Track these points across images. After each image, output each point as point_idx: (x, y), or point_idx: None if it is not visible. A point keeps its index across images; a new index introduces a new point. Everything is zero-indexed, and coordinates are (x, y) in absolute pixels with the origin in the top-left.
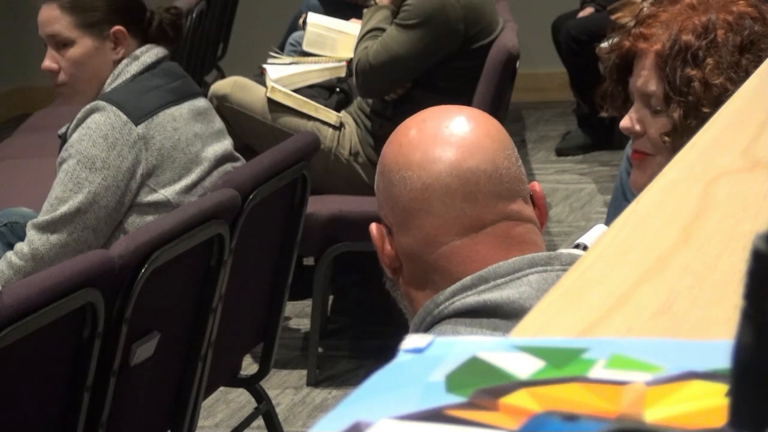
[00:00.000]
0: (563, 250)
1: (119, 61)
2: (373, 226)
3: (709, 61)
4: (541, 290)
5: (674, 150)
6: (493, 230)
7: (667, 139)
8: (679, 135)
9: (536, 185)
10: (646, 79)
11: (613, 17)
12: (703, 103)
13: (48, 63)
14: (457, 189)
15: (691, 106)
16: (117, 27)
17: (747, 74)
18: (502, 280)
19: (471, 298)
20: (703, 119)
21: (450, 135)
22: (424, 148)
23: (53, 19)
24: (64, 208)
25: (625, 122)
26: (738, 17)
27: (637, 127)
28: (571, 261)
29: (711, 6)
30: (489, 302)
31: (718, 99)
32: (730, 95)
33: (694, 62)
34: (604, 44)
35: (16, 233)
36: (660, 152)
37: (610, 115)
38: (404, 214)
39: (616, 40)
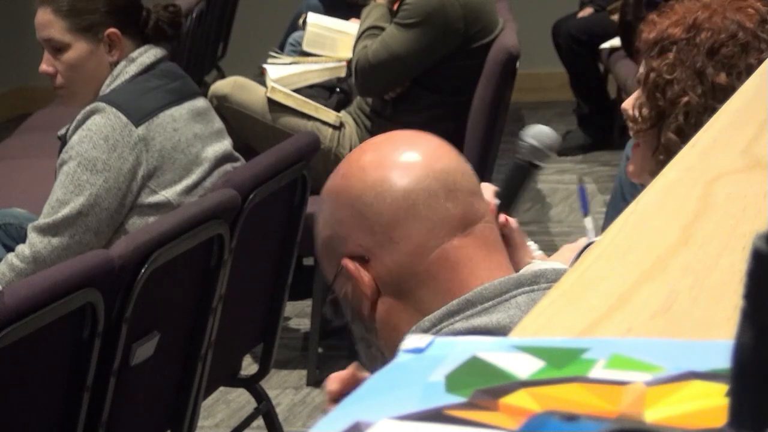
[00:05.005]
0: (546, 267)
1: (116, 63)
2: (348, 261)
3: (669, 56)
4: None
5: (644, 142)
6: (474, 231)
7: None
8: (642, 124)
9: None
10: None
11: (612, 17)
12: (656, 95)
13: (44, 67)
14: (439, 189)
15: (648, 96)
16: (111, 29)
17: (701, 77)
18: (490, 303)
19: (459, 324)
20: (657, 112)
21: (410, 148)
22: (390, 163)
23: (47, 23)
24: (65, 211)
25: (625, 103)
26: (726, 21)
27: (635, 112)
28: (557, 277)
29: (712, 7)
30: (479, 329)
31: (664, 92)
32: (680, 90)
33: (659, 54)
34: (606, 45)
35: (11, 234)
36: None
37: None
38: (387, 228)
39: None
